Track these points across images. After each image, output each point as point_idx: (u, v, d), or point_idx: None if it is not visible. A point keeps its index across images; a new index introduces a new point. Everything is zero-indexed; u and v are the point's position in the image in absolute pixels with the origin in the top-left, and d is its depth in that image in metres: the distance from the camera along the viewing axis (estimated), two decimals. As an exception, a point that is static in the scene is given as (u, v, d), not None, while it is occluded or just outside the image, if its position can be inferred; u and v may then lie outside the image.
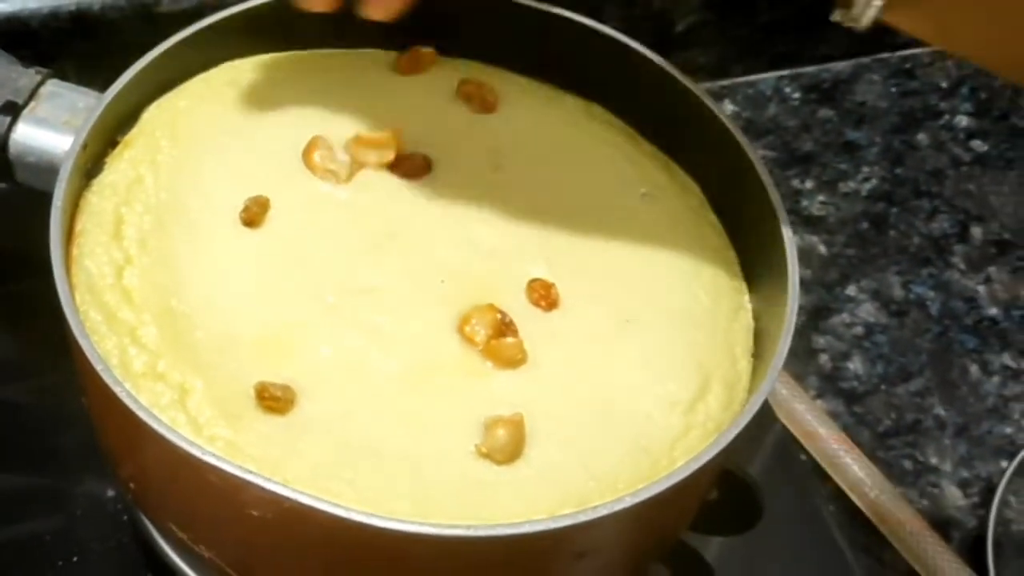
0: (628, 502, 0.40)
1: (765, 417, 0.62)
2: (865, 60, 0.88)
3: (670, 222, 0.52)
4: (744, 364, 0.48)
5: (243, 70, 0.53)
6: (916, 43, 0.87)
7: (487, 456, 0.42)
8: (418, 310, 0.46)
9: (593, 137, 0.54)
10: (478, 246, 0.49)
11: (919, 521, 0.63)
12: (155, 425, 0.40)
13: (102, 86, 0.49)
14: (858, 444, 0.66)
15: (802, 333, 0.71)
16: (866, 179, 0.81)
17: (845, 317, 0.73)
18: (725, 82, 0.84)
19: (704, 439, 0.44)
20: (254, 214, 0.47)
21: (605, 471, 0.43)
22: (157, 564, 0.53)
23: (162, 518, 0.47)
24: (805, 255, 0.75)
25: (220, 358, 0.44)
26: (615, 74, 0.55)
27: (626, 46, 0.54)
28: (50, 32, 0.65)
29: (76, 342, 0.42)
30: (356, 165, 0.50)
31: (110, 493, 0.56)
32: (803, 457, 0.65)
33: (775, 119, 0.83)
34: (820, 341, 0.72)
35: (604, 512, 0.39)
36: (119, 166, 0.49)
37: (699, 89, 0.53)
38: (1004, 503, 0.65)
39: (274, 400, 0.42)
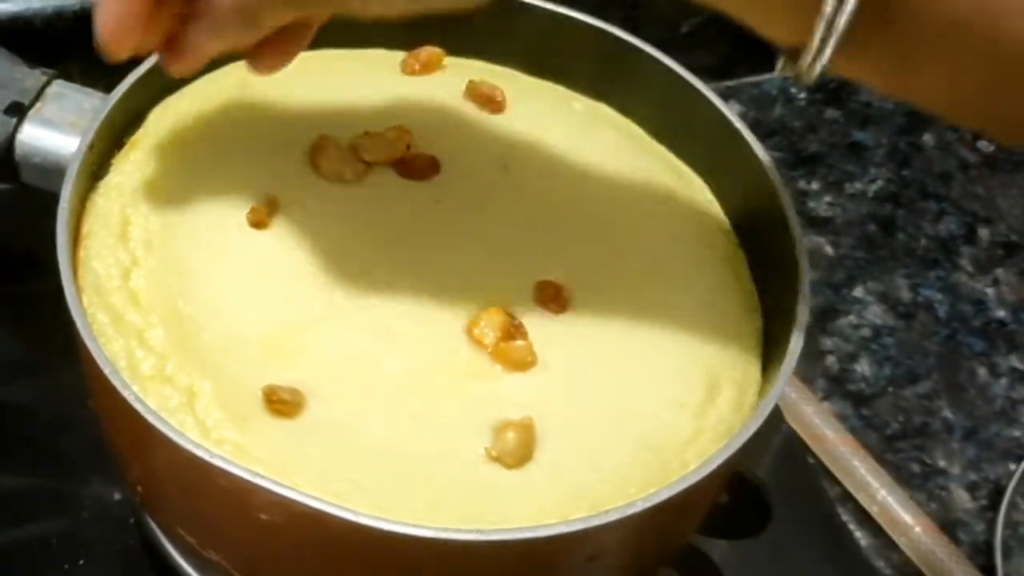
0: (640, 506, 0.40)
1: (773, 419, 0.62)
2: (871, 61, 0.88)
3: (679, 224, 0.51)
4: (754, 366, 0.48)
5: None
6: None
7: (497, 459, 0.42)
8: (427, 312, 0.46)
9: (602, 138, 0.54)
10: (487, 247, 0.48)
11: (927, 524, 0.63)
12: (163, 428, 0.39)
13: (107, 87, 0.49)
14: (866, 447, 0.66)
15: (809, 335, 0.70)
16: (873, 180, 0.81)
17: (852, 319, 0.73)
18: (731, 82, 0.84)
19: (715, 442, 0.44)
20: (261, 215, 0.47)
21: (616, 474, 0.43)
22: (164, 567, 0.53)
23: (170, 521, 0.47)
24: (812, 256, 0.74)
25: (228, 360, 0.43)
26: (624, 75, 0.54)
27: (635, 47, 0.54)
28: (54, 32, 0.65)
29: (84, 345, 0.41)
30: (364, 166, 0.49)
31: (116, 496, 0.56)
32: (811, 459, 0.65)
33: (781, 120, 0.83)
34: (827, 343, 0.72)
35: (616, 516, 0.39)
36: (125, 167, 0.48)
37: (708, 90, 0.53)
38: (1012, 506, 0.65)
39: (282, 403, 0.42)
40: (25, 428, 0.59)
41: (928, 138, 0.84)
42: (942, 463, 0.67)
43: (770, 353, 0.48)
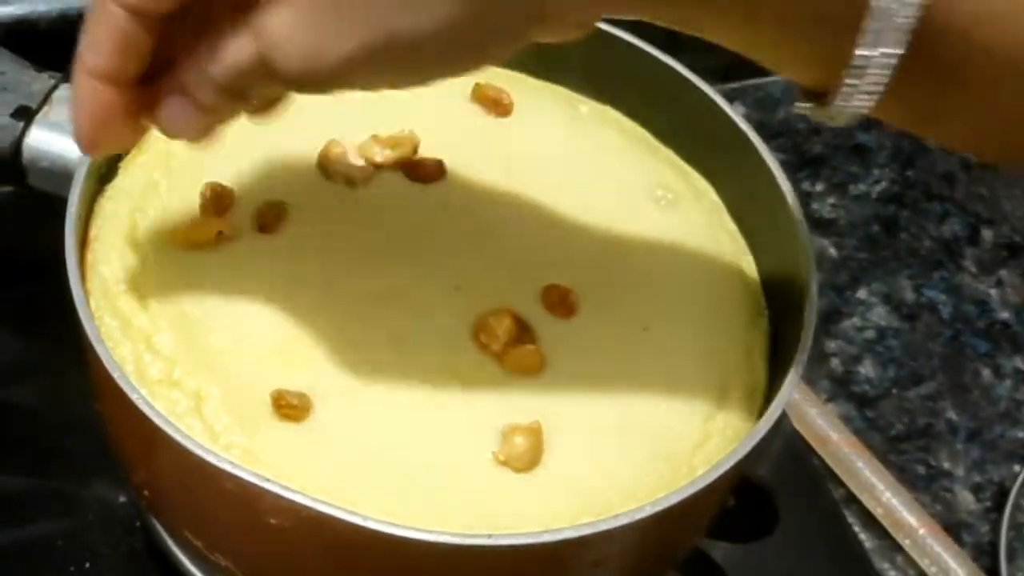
0: (649, 510, 0.39)
1: (777, 421, 0.62)
2: (874, 62, 0.88)
3: (686, 227, 0.51)
4: (762, 370, 0.48)
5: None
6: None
7: (505, 464, 0.42)
8: (434, 316, 0.46)
9: (608, 141, 0.54)
10: (494, 251, 0.48)
11: (932, 525, 0.63)
12: (172, 432, 0.39)
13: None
14: (870, 448, 0.66)
15: (813, 336, 0.71)
16: (876, 182, 0.81)
17: (856, 321, 0.73)
18: (735, 84, 0.84)
19: (724, 446, 0.44)
20: (269, 219, 0.47)
21: (624, 479, 0.43)
22: (170, 570, 0.53)
23: (177, 525, 0.47)
24: (816, 258, 0.74)
25: (235, 364, 0.43)
26: (629, 78, 0.54)
27: (641, 50, 0.54)
28: (59, 34, 0.65)
29: (92, 348, 0.41)
30: (371, 169, 0.50)
31: (122, 499, 0.56)
32: (815, 461, 0.65)
33: (785, 121, 0.83)
34: (831, 345, 0.72)
35: (625, 520, 0.39)
36: (133, 171, 0.48)
37: (714, 92, 0.53)
38: (1017, 507, 0.65)
39: (291, 408, 0.42)
40: (30, 429, 0.58)
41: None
42: (946, 465, 0.67)
43: (778, 357, 0.48)
